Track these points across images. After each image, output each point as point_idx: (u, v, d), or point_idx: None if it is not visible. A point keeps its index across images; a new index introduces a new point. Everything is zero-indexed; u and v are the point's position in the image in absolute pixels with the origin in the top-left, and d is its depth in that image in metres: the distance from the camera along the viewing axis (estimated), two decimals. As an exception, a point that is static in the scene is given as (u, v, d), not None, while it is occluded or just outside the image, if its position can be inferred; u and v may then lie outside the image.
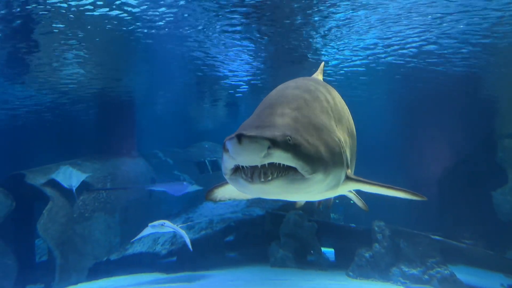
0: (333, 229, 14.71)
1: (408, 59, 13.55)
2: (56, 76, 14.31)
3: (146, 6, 9.50)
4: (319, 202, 4.87)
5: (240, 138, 2.37)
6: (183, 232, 11.26)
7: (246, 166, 2.53)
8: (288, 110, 2.93)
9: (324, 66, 4.52)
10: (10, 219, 13.34)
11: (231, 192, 3.65)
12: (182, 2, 9.34)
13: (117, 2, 9.26)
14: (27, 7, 9.16)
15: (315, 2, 9.49)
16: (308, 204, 15.94)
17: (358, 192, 3.95)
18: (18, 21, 9.83)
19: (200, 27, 10.83)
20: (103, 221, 14.15)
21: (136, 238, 11.75)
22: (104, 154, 16.33)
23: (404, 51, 12.90)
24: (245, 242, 15.05)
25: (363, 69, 14.95)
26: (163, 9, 9.64)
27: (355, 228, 14.13)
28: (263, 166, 2.51)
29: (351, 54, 13.52)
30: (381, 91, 18.60)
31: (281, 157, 2.49)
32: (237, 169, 2.61)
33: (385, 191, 3.29)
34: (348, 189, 3.36)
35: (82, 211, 13.89)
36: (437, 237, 12.65)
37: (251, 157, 2.44)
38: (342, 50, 13.11)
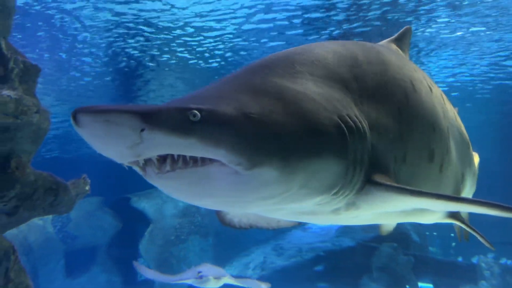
0: (432, 263, 13.70)
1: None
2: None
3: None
4: (464, 233, 3.71)
5: (75, 117, 1.49)
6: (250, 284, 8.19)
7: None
8: (251, 77, 1.97)
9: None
10: (117, 239, 14.66)
11: (248, 215, 2.79)
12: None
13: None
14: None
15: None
16: (403, 235, 14.98)
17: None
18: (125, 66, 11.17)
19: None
20: (198, 244, 14.83)
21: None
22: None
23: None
24: (335, 273, 14.62)
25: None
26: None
27: (458, 263, 13.00)
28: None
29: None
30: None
31: (171, 145, 1.55)
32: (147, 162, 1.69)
33: (447, 206, 2.11)
34: (383, 203, 2.11)
35: (178, 233, 14.72)
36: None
37: (112, 148, 1.55)
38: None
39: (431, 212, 2.50)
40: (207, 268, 7.34)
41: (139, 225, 15.49)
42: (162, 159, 1.63)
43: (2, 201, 4.00)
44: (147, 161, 1.65)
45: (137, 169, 1.73)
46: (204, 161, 1.62)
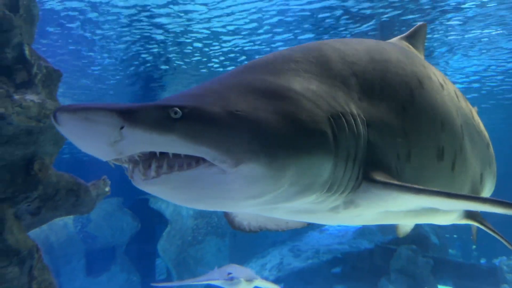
0: (452, 266, 13.52)
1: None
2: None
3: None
4: (473, 234, 3.79)
5: (55, 115, 1.53)
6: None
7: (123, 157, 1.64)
8: (242, 74, 1.99)
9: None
10: (136, 240, 14.91)
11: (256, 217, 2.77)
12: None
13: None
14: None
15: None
16: (422, 237, 14.78)
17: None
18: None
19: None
20: (214, 245, 14.95)
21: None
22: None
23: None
24: (352, 275, 14.56)
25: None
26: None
27: (478, 265, 12.80)
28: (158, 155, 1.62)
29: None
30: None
31: (152, 142, 1.55)
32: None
33: (448, 204, 2.03)
34: (382, 201, 2.05)
35: (195, 234, 14.88)
36: None
37: (93, 145, 1.58)
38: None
39: (444, 212, 2.45)
40: (236, 269, 6.97)
41: (157, 226, 15.70)
42: (147, 165, 1.62)
43: (26, 202, 4.15)
44: (134, 165, 1.65)
45: (129, 174, 1.72)
46: (190, 165, 1.60)
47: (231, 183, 1.62)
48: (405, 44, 3.00)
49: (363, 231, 15.09)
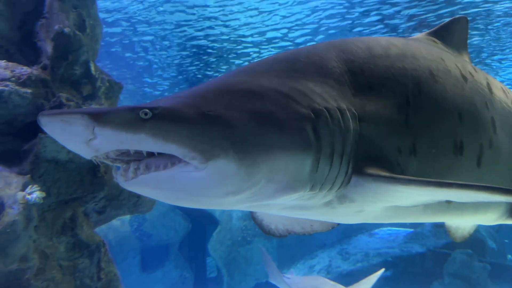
0: (511, 271, 12.92)
1: None
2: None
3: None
4: None
5: (38, 118, 1.73)
6: None
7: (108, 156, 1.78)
8: (229, 77, 2.09)
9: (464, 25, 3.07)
10: (188, 239, 15.55)
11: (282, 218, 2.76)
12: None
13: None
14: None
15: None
16: (478, 242, 14.20)
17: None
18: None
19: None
20: (262, 246, 15.24)
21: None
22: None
23: None
24: (403, 278, 14.28)
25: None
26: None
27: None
28: (139, 154, 1.73)
29: None
30: None
31: (122, 140, 1.68)
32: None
33: (458, 195, 1.93)
34: (377, 195, 1.98)
35: (244, 235, 15.26)
36: None
37: (72, 143, 1.77)
38: None
39: (475, 210, 2.39)
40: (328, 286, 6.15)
41: (207, 226, 16.25)
42: (127, 166, 1.75)
43: (93, 201, 4.63)
44: (120, 169, 1.79)
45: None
46: (167, 165, 1.70)
47: (205, 180, 1.69)
48: (431, 39, 2.90)
49: (415, 235, 14.76)
